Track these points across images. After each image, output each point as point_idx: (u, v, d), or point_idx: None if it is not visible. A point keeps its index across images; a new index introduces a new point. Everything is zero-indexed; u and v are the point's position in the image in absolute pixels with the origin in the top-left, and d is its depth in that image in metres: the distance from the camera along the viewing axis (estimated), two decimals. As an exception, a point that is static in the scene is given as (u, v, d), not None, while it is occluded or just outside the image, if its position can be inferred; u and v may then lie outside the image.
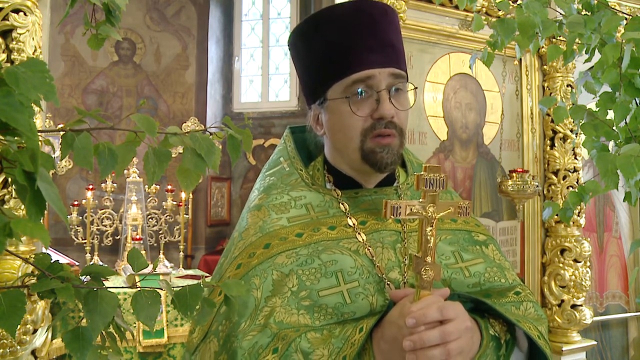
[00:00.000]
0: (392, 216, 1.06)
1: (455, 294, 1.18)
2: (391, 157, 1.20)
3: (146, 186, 5.81)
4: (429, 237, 1.08)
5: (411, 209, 1.07)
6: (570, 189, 2.83)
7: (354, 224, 1.23)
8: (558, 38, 2.50)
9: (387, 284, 1.16)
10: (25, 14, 1.62)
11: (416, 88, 1.31)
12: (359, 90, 1.18)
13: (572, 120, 2.79)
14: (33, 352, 1.72)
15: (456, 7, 2.61)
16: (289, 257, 1.17)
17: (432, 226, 1.08)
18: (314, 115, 1.31)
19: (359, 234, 1.22)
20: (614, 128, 1.41)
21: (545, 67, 2.93)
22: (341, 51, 1.20)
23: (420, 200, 1.09)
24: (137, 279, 0.80)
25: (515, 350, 1.20)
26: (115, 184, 5.91)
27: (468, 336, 1.06)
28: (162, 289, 0.80)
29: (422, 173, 1.09)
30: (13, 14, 1.60)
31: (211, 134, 0.80)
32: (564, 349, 2.75)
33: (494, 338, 1.15)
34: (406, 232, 1.25)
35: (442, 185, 1.09)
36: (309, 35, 1.27)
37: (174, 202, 5.84)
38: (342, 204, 1.26)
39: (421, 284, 1.07)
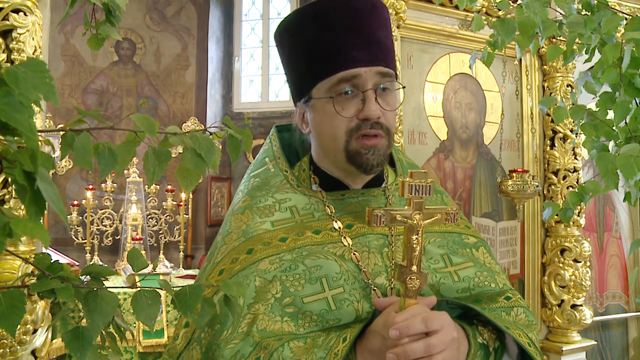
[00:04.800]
0: (374, 225, 1.02)
1: (444, 300, 1.15)
2: (377, 159, 1.16)
3: (146, 186, 5.81)
4: (414, 246, 1.03)
5: (395, 217, 1.03)
6: (570, 189, 2.82)
7: (339, 228, 1.19)
8: (558, 38, 2.50)
9: (374, 289, 1.12)
10: (25, 14, 1.62)
11: (404, 87, 1.27)
12: (345, 89, 1.14)
13: (572, 120, 2.79)
14: (33, 352, 1.72)
15: (456, 7, 2.61)
16: (273, 263, 1.13)
17: (418, 234, 1.03)
18: (299, 113, 1.27)
19: (345, 238, 1.18)
20: (614, 128, 1.41)
21: (545, 67, 2.93)
22: (326, 48, 1.15)
23: (406, 207, 1.05)
24: (137, 279, 0.80)
25: (505, 357, 1.17)
26: (115, 184, 5.91)
27: (454, 348, 1.03)
28: (162, 289, 0.80)
29: (407, 179, 1.04)
30: (13, 14, 1.60)
31: (211, 133, 0.80)
32: (564, 349, 2.75)
33: (482, 346, 1.12)
34: (394, 235, 1.21)
35: (428, 191, 1.04)
36: (294, 30, 1.22)
37: (174, 202, 5.85)
38: (328, 206, 1.22)
39: (406, 293, 1.03)
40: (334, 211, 1.22)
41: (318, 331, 1.07)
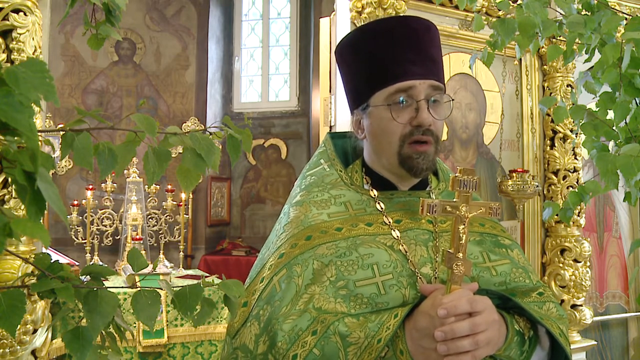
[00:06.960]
0: (428, 214, 1.14)
1: (483, 289, 1.23)
2: (426, 164, 1.29)
3: (146, 186, 5.80)
4: (461, 235, 1.16)
5: (446, 208, 1.16)
6: (570, 189, 2.83)
7: (389, 222, 1.31)
8: (558, 38, 2.50)
9: (419, 277, 1.23)
10: (25, 14, 1.62)
11: (453, 100, 1.38)
12: (401, 98, 1.27)
13: (572, 120, 2.79)
14: (33, 352, 1.72)
15: (456, 7, 2.61)
16: (329, 249, 1.25)
17: (464, 224, 1.16)
18: (355, 120, 1.39)
19: (394, 230, 1.30)
20: (614, 128, 1.41)
21: (545, 67, 2.93)
22: (386, 62, 1.29)
23: (455, 199, 1.17)
24: (137, 279, 0.80)
25: (537, 348, 1.25)
26: (115, 184, 5.90)
27: (495, 328, 1.13)
28: (162, 289, 0.80)
29: (457, 175, 1.17)
30: (13, 14, 1.60)
31: (211, 134, 0.80)
32: (564, 349, 2.75)
33: (519, 333, 1.21)
34: (437, 232, 1.32)
35: (475, 187, 1.17)
36: (356, 45, 1.37)
37: (174, 202, 5.84)
38: (379, 203, 1.34)
39: (452, 279, 1.14)
40: (384, 208, 1.34)
41: (368, 312, 1.18)
